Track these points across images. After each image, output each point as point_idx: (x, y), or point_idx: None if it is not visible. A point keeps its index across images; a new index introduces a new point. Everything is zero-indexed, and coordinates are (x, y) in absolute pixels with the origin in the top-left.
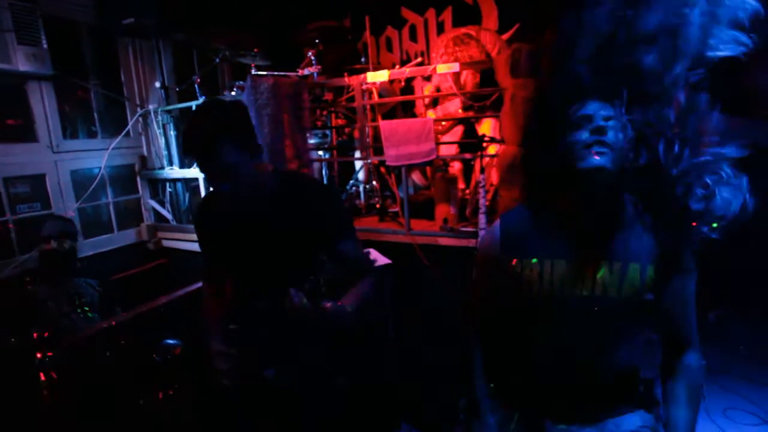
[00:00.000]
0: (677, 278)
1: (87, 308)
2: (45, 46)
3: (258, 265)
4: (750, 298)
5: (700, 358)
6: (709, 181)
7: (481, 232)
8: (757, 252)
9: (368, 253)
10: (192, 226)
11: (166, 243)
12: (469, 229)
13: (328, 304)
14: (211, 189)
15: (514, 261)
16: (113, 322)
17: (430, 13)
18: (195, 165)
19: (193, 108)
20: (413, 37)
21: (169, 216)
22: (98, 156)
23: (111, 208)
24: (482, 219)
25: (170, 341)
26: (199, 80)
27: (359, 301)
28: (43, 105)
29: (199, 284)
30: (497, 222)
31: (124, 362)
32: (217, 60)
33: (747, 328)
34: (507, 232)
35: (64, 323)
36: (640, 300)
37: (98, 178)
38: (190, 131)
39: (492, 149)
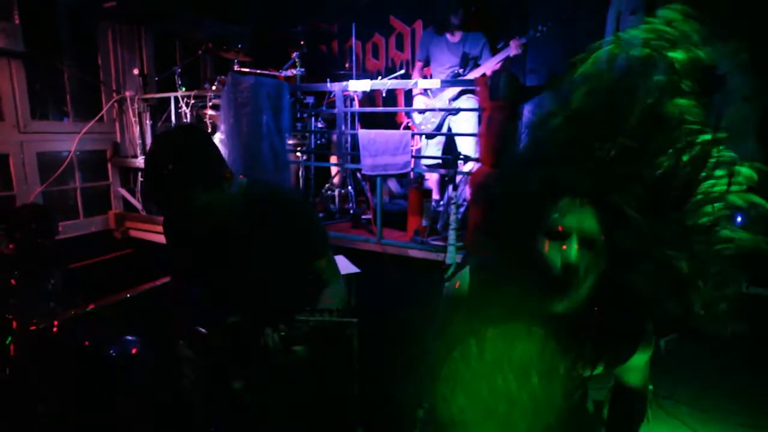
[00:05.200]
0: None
1: (48, 299)
2: (17, 21)
3: (230, 284)
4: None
5: (647, 382)
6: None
7: (450, 248)
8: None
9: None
10: (161, 218)
11: (134, 233)
12: (439, 243)
13: (296, 349)
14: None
15: None
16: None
17: (418, 25)
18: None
19: (172, 100)
20: (400, 46)
21: (139, 206)
22: (68, 139)
23: (78, 193)
24: (451, 235)
25: (130, 338)
26: (180, 71)
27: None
28: (11, 82)
29: (165, 279)
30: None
31: (81, 356)
32: (200, 52)
33: (693, 356)
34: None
35: (26, 315)
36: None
37: (67, 161)
38: (151, 184)
39: (468, 166)
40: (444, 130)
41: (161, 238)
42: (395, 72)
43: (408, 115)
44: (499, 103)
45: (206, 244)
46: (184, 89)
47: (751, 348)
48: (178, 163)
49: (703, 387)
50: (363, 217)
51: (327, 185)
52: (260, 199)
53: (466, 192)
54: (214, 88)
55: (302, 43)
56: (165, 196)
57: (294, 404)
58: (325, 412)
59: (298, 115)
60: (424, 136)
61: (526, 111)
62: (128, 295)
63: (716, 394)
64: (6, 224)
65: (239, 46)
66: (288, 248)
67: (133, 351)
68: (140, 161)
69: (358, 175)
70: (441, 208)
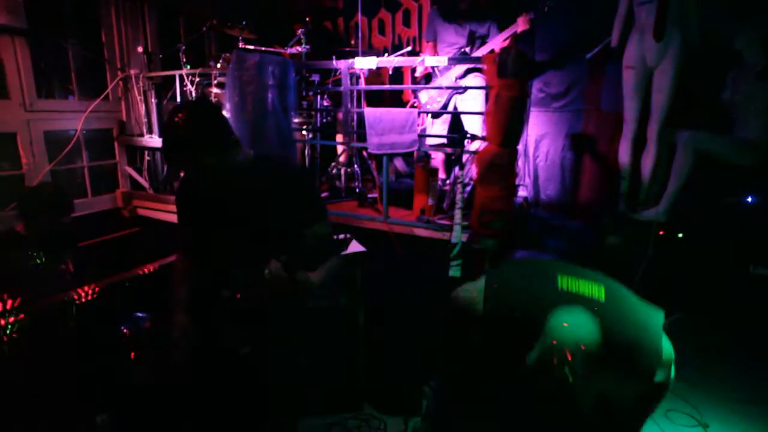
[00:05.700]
0: None
1: (62, 277)
2: None
3: (233, 245)
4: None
5: None
6: None
7: (456, 227)
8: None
9: (349, 237)
10: (168, 197)
11: (141, 211)
12: (445, 222)
13: (300, 275)
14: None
15: None
16: (84, 292)
17: (425, 0)
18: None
19: (177, 78)
20: (406, 22)
21: (146, 184)
22: (74, 117)
23: (86, 172)
24: (457, 214)
25: (140, 314)
26: (184, 48)
27: (326, 275)
28: (16, 60)
29: (173, 257)
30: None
31: (92, 333)
32: (205, 29)
33: (694, 333)
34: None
35: (39, 291)
36: None
37: (74, 140)
38: (169, 140)
39: (474, 145)
40: (450, 108)
41: (168, 217)
42: (402, 49)
43: (414, 94)
44: (508, 80)
45: (214, 213)
46: (188, 67)
47: (751, 325)
48: (194, 125)
49: (704, 364)
50: (369, 195)
51: (333, 164)
52: (264, 167)
53: (473, 171)
54: (218, 65)
55: (307, 19)
56: (180, 154)
57: (298, 376)
58: (331, 386)
59: (304, 93)
60: (430, 115)
61: (535, 89)
62: (137, 273)
63: (717, 371)
64: (20, 203)
65: (244, 23)
66: (289, 211)
67: (146, 326)
68: (146, 140)
69: (364, 153)
70: (447, 187)
